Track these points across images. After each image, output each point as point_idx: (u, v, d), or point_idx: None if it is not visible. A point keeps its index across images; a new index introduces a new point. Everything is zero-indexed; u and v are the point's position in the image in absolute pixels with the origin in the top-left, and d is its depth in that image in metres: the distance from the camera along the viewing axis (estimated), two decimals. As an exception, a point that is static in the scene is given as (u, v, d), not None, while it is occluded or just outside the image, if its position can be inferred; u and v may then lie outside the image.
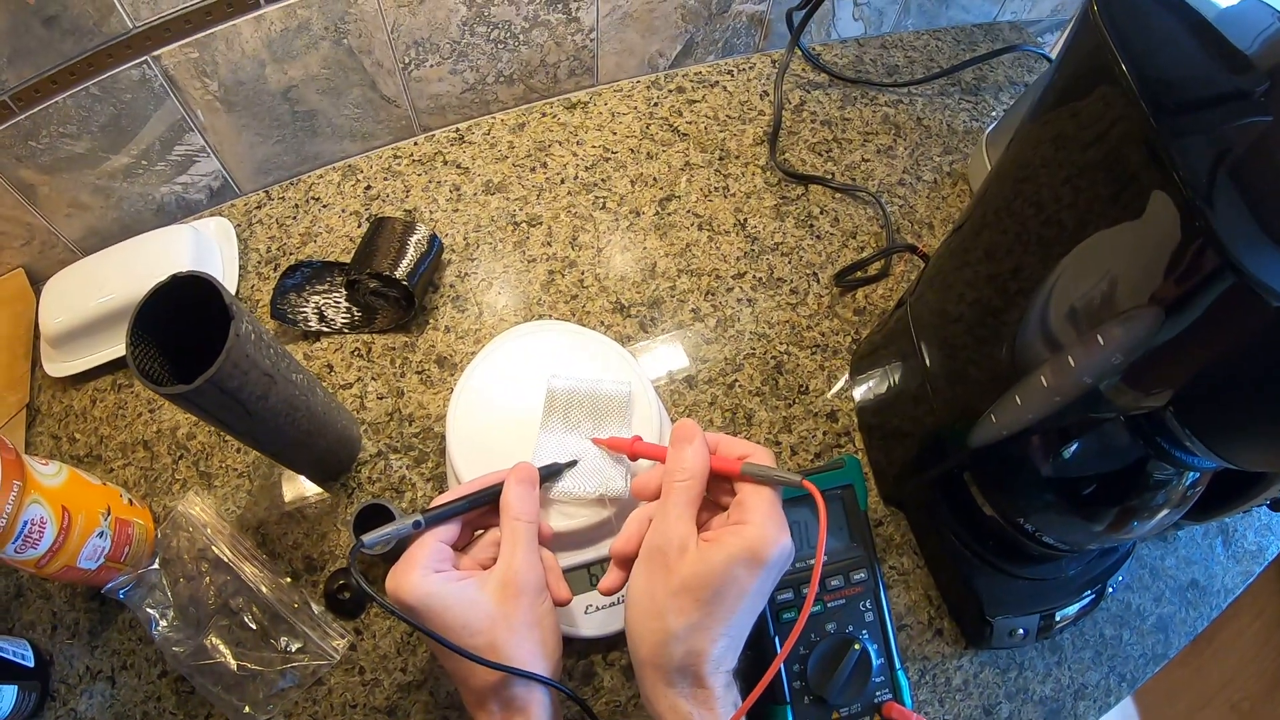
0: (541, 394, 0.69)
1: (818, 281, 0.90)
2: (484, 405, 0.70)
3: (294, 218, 0.93)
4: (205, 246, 0.87)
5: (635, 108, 1.02)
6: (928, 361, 0.70)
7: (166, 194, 0.91)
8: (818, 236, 0.93)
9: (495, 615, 0.53)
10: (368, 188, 0.95)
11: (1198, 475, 0.58)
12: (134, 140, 0.84)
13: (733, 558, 0.50)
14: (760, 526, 0.51)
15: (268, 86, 0.86)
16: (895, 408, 0.77)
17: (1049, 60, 1.12)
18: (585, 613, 0.68)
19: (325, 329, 0.84)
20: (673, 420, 0.79)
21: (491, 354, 0.73)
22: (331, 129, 0.93)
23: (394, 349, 0.84)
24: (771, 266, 0.91)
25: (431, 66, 0.92)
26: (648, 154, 0.98)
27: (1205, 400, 0.45)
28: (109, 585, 0.70)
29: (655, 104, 1.03)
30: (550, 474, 0.63)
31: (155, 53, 0.77)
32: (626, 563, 0.56)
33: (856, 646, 0.67)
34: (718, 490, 0.58)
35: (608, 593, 0.58)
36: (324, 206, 0.94)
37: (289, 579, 0.73)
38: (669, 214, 0.94)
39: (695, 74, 1.06)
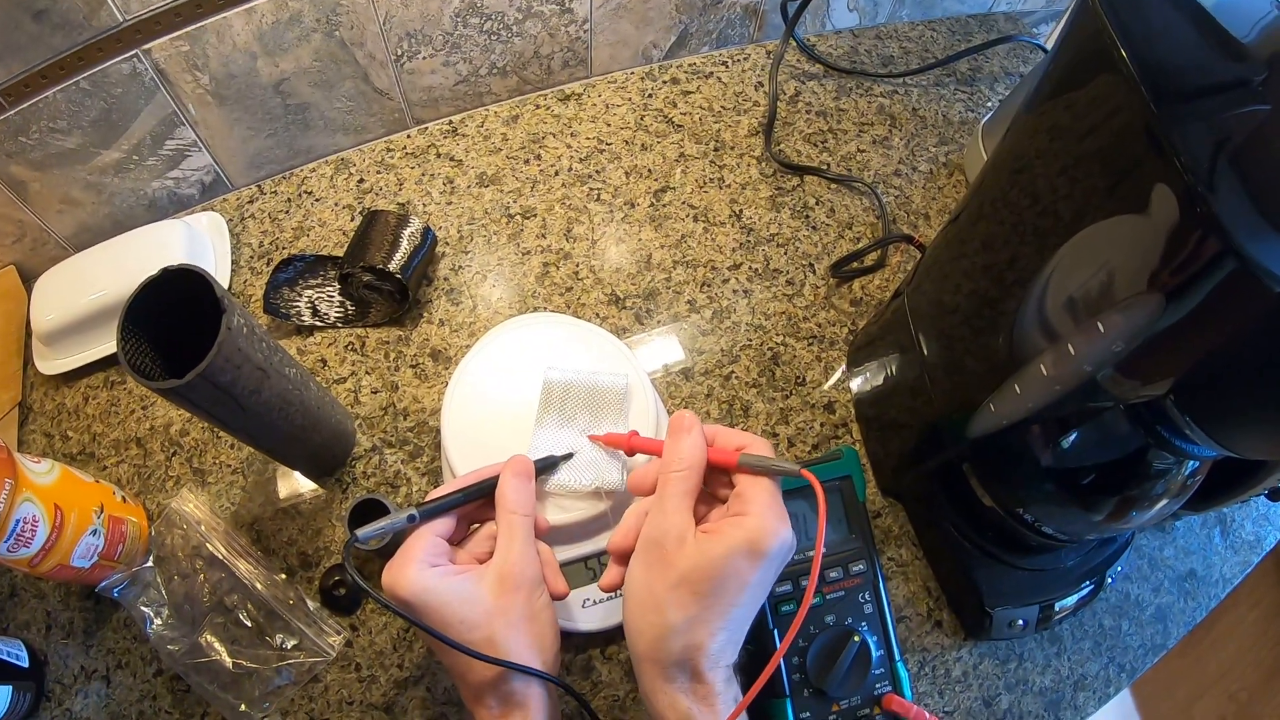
0: (537, 387, 0.69)
1: (814, 272, 0.90)
2: (479, 398, 0.70)
3: (286, 212, 0.93)
4: (198, 241, 0.86)
5: (629, 99, 1.02)
6: (925, 352, 0.70)
7: (158, 189, 0.90)
8: (813, 227, 0.93)
9: (492, 610, 0.52)
10: (360, 181, 0.94)
11: (1197, 464, 0.58)
12: (125, 135, 0.83)
13: (732, 549, 0.50)
14: (760, 517, 0.51)
15: (259, 80, 0.85)
16: (893, 399, 0.77)
17: (1044, 51, 1.12)
18: (583, 607, 0.68)
19: (319, 323, 0.84)
20: (669, 412, 0.78)
21: (486, 347, 0.73)
22: (324, 122, 0.93)
23: (388, 343, 0.84)
24: (767, 257, 0.91)
25: (424, 58, 0.91)
26: (642, 145, 0.98)
27: (1206, 388, 0.45)
28: (103, 584, 0.69)
29: (649, 95, 1.02)
30: (546, 467, 0.63)
31: (145, 46, 0.76)
32: (624, 558, 0.56)
33: (856, 638, 0.66)
34: (716, 483, 0.57)
35: (608, 589, 0.58)
36: (317, 200, 0.93)
37: (284, 575, 0.73)
38: (664, 205, 0.94)
39: (689, 65, 1.05)
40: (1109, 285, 0.45)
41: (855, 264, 0.90)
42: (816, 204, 0.95)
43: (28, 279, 0.89)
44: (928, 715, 0.64)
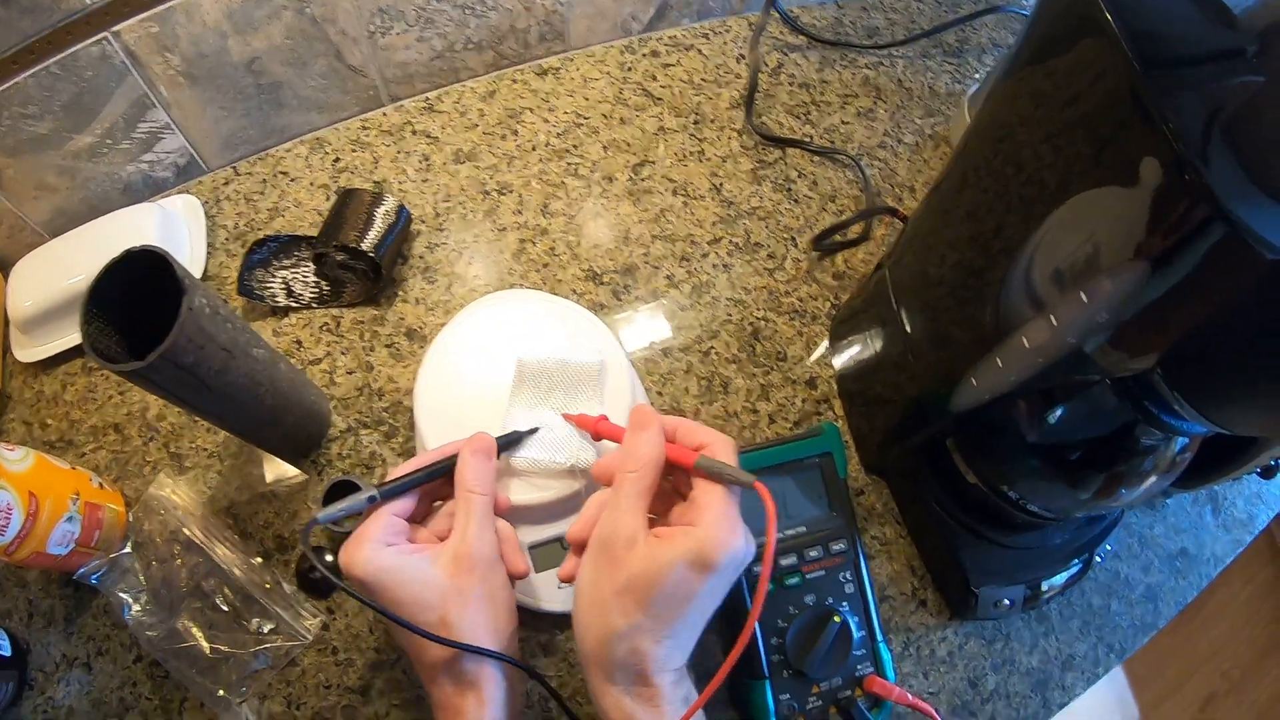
0: (512, 364, 0.68)
1: (795, 246, 0.89)
2: (452, 377, 0.69)
3: (261, 193, 0.91)
4: (172, 224, 0.85)
5: (608, 73, 1.00)
6: (908, 326, 0.69)
7: (133, 173, 0.89)
8: (795, 200, 0.92)
9: (447, 589, 0.52)
10: (336, 160, 0.93)
11: (1187, 441, 0.57)
12: (97, 119, 0.82)
13: (679, 561, 0.49)
14: (710, 528, 0.50)
15: (230, 59, 0.84)
16: (876, 374, 0.76)
17: (1032, 19, 1.10)
18: (559, 588, 0.67)
19: (294, 304, 0.83)
20: (647, 390, 0.78)
21: (460, 325, 0.72)
22: (298, 101, 0.92)
23: (363, 323, 0.83)
24: (748, 231, 0.90)
25: (398, 34, 0.89)
26: (621, 119, 0.97)
27: (1195, 361, 0.44)
28: (81, 570, 0.69)
29: (628, 69, 1.01)
30: (509, 443, 0.62)
31: (115, 28, 0.75)
32: (582, 548, 0.55)
33: (836, 619, 0.66)
34: (680, 478, 0.56)
35: (565, 580, 0.57)
36: (292, 180, 0.92)
37: (260, 559, 0.72)
38: (642, 179, 0.92)
39: (669, 37, 1.04)
40: (1095, 256, 0.44)
41: (838, 236, 0.89)
42: (799, 177, 0.93)
43: (3, 266, 0.87)
44: (910, 697, 0.64)
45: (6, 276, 0.85)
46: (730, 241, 0.89)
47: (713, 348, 0.83)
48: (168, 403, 0.78)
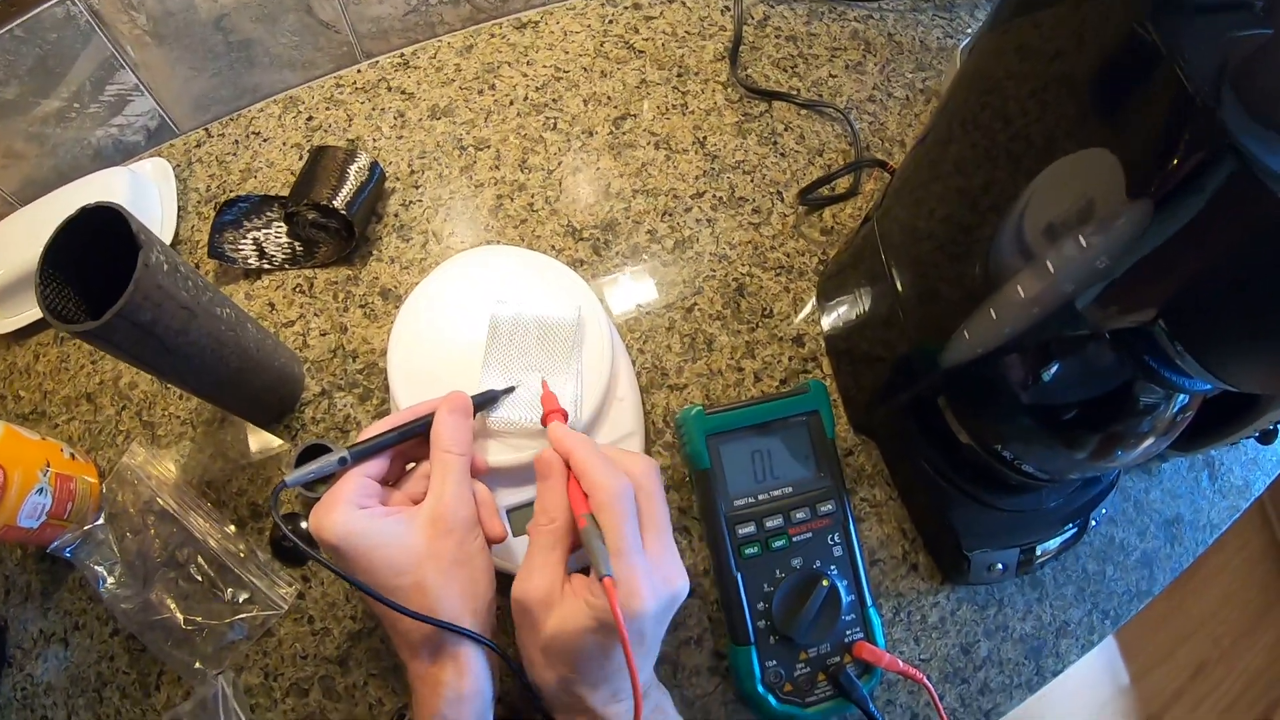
0: (487, 322, 0.66)
1: (782, 200, 0.86)
2: (427, 336, 0.67)
3: (234, 154, 0.89)
4: (142, 188, 0.84)
5: (588, 25, 0.97)
6: (897, 281, 0.67)
7: (103, 137, 0.87)
8: (782, 154, 0.89)
9: (423, 553, 0.50)
10: (309, 119, 0.91)
11: (1186, 400, 0.55)
12: (64, 82, 0.80)
13: (587, 630, 0.48)
14: (623, 584, 0.47)
15: (198, 16, 0.82)
16: (865, 330, 0.73)
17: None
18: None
19: (266, 265, 0.81)
20: (628, 348, 0.76)
21: (434, 282, 0.70)
22: (269, 59, 0.89)
23: (336, 283, 0.81)
24: (732, 185, 0.87)
25: (370, -13, 0.87)
26: (601, 72, 0.94)
27: (1198, 312, 0.42)
28: (55, 544, 0.68)
29: (610, 21, 0.98)
30: (485, 401, 0.61)
31: (78, -12, 0.73)
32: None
33: (824, 583, 0.64)
34: None
35: None
36: (264, 141, 0.90)
37: (234, 527, 0.71)
38: (623, 133, 0.90)
39: (652, -10, 1.01)
40: (1090, 210, 0.42)
41: (825, 190, 0.87)
42: (785, 130, 0.91)
43: (-26, 239, 0.86)
44: (901, 663, 0.62)
45: (-25, 248, 0.83)
46: (714, 196, 0.86)
47: (696, 304, 0.80)
48: (133, 367, 0.77)
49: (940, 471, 0.69)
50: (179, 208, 0.86)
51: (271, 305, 0.80)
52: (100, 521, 0.70)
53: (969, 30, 1.02)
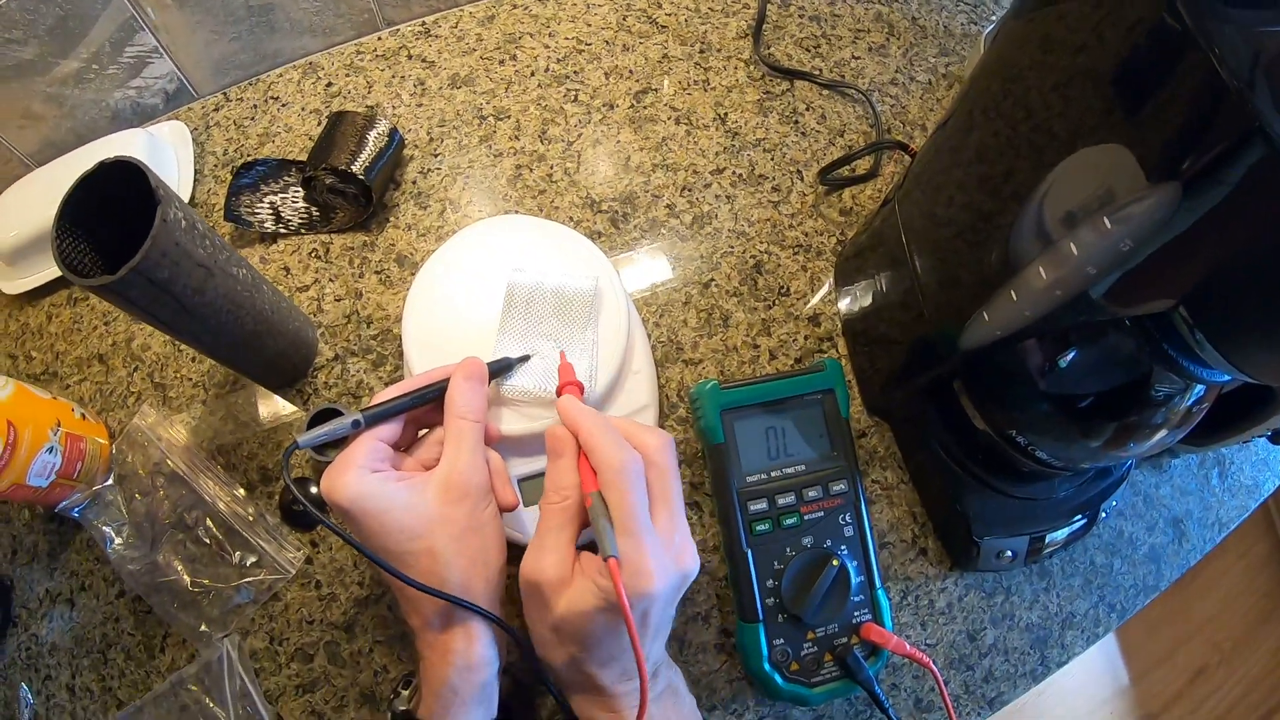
0: (504, 291, 0.65)
1: (801, 179, 0.86)
2: (442, 303, 0.67)
3: (252, 118, 0.89)
4: (159, 150, 0.83)
5: (611, -1, 0.97)
6: (916, 263, 0.66)
7: (121, 99, 0.87)
8: (803, 133, 0.88)
9: (434, 519, 0.50)
10: (329, 85, 0.90)
11: (1202, 392, 0.55)
12: (83, 43, 0.79)
13: (596, 609, 0.47)
14: (627, 564, 0.47)
15: (219, -21, 0.81)
16: (882, 312, 0.73)
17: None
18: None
19: (282, 229, 0.80)
20: (644, 321, 0.75)
21: (451, 250, 0.69)
22: (290, 24, 0.88)
23: (352, 249, 0.80)
24: (753, 162, 0.86)
25: (394, -46, 0.86)
26: (624, 46, 0.93)
27: (1221, 298, 0.42)
28: (63, 504, 0.68)
29: (633, -5, 0.97)
30: (500, 369, 0.60)
31: (100, -54, 0.72)
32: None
33: (835, 562, 0.64)
34: None
35: None
36: (283, 106, 0.89)
37: (244, 491, 0.71)
38: (644, 107, 0.89)
39: (676, -35, 1.00)
40: (1113, 195, 0.41)
41: (845, 171, 0.86)
42: (807, 110, 0.90)
43: (-8, 198, 0.86)
44: (908, 646, 0.62)
45: (-8, 208, 0.83)
46: (734, 172, 0.86)
47: (713, 280, 0.80)
48: (148, 326, 0.76)
49: (953, 456, 0.69)
50: (196, 171, 0.85)
51: (286, 269, 0.79)
52: (109, 482, 0.70)
53: (993, 17, 1.01)
